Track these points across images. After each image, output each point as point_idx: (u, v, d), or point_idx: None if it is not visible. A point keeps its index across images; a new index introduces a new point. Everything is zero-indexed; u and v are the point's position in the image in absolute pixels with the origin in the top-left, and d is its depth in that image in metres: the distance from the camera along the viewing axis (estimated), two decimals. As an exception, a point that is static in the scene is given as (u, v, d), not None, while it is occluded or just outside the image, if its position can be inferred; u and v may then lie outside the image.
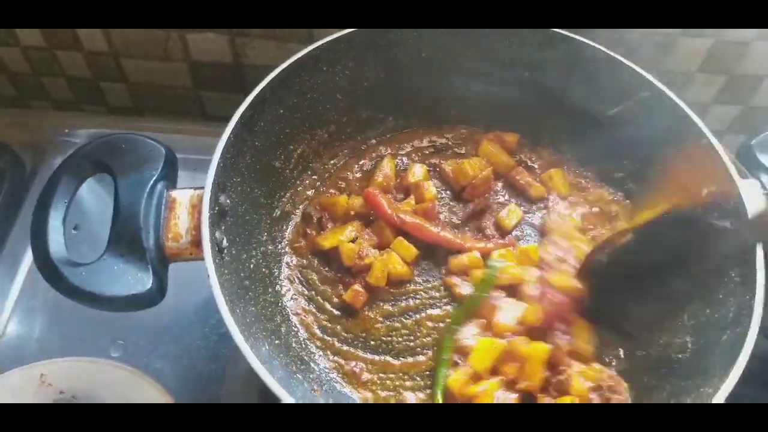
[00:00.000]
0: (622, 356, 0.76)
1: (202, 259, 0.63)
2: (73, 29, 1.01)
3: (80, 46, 1.04)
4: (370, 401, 0.74)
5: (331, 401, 0.72)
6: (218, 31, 0.99)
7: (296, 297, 0.80)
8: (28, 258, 0.92)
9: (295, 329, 0.78)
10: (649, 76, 0.78)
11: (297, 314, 0.79)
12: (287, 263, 0.83)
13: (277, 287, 0.80)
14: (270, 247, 0.81)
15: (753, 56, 1.00)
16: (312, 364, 0.75)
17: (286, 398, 0.58)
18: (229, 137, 0.69)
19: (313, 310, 0.80)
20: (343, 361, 0.76)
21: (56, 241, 0.64)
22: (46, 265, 0.62)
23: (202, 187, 0.66)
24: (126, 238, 0.64)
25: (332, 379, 0.75)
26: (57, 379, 0.77)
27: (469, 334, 0.75)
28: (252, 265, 0.76)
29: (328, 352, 0.77)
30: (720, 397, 0.59)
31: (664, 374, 0.72)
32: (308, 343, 0.77)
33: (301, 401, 0.58)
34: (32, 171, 1.01)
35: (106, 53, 1.05)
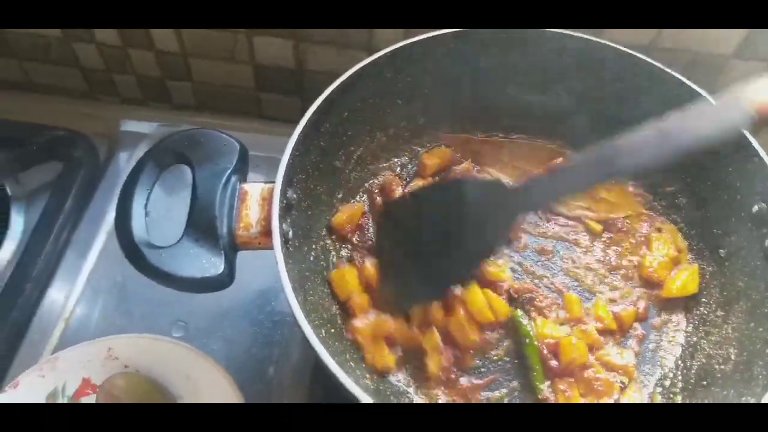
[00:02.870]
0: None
1: (270, 248, 0.67)
2: (146, 30, 1.07)
3: (152, 46, 1.09)
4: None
5: (381, 389, 0.75)
6: (283, 36, 1.04)
7: (351, 289, 0.83)
8: (99, 241, 0.98)
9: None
10: (703, 92, 0.79)
11: (352, 305, 0.82)
12: (342, 257, 0.86)
13: (334, 279, 0.83)
14: (328, 242, 0.85)
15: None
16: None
17: (342, 377, 0.61)
18: (299, 136, 0.73)
19: (367, 302, 0.83)
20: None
21: (138, 225, 0.68)
22: (129, 246, 0.67)
23: (272, 182, 0.71)
24: (202, 225, 0.69)
25: (383, 369, 0.78)
26: (123, 353, 0.81)
27: None
28: (312, 258, 0.80)
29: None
30: (761, 406, 0.60)
31: (706, 385, 0.73)
32: (361, 333, 0.80)
33: (354, 386, 0.61)
34: (105, 160, 1.08)
35: (176, 53, 1.10)
